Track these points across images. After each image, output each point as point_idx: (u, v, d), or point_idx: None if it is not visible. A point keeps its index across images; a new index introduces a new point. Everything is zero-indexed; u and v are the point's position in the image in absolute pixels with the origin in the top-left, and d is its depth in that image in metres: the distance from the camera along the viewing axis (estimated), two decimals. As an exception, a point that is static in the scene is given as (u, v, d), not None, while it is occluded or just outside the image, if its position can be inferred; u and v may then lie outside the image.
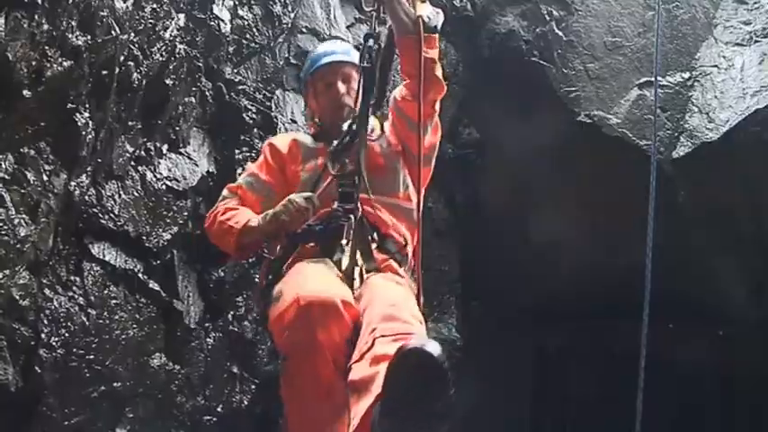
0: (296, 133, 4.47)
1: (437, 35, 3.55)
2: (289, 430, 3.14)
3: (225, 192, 3.94)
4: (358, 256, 3.36)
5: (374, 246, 3.48)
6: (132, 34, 4.26)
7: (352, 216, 3.45)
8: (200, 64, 5.10)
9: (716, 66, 6.31)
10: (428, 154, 3.71)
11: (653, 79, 6.02)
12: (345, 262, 3.32)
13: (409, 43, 3.46)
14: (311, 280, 3.13)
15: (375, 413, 2.62)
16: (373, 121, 3.89)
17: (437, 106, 3.71)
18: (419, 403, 2.51)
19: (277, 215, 3.53)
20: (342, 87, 3.85)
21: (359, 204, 3.50)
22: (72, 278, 4.19)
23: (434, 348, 2.51)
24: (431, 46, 3.50)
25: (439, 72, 3.60)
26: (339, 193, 3.56)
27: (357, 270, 3.30)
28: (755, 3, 6.49)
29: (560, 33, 6.38)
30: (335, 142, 3.72)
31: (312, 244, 3.51)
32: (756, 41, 6.25)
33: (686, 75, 6.35)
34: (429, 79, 3.49)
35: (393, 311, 3.00)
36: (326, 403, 2.95)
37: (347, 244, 3.38)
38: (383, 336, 2.84)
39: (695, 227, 6.07)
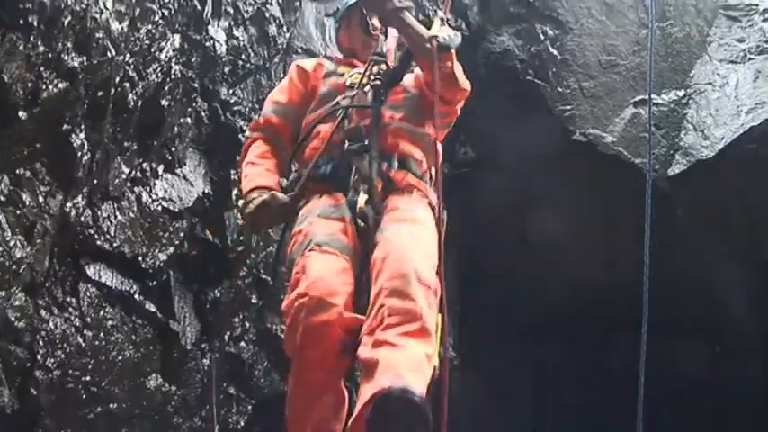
0: (322, 58, 4.49)
1: (452, 50, 3.55)
2: (288, 426, 3.14)
3: (248, 132, 3.93)
4: (376, 186, 3.35)
5: (393, 171, 3.44)
6: (128, 55, 4.27)
7: (365, 153, 3.43)
8: (196, 85, 5.10)
9: (710, 83, 6.34)
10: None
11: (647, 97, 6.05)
12: (361, 201, 3.31)
13: (425, 61, 3.51)
14: (312, 274, 3.10)
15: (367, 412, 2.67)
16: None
17: (459, 108, 3.78)
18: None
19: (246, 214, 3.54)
20: (376, 22, 3.89)
21: (370, 136, 3.48)
22: (68, 299, 4.18)
23: (413, 390, 2.62)
24: (447, 60, 3.53)
25: (460, 77, 3.63)
26: (346, 132, 3.53)
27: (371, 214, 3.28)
28: (749, 20, 6.53)
29: (555, 52, 6.40)
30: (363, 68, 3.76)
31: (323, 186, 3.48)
32: (750, 59, 6.28)
33: (681, 92, 6.38)
34: (450, 89, 3.56)
35: (401, 285, 2.98)
36: (320, 403, 2.99)
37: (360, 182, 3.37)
38: (389, 326, 2.86)
39: (692, 243, 6.06)
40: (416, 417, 2.60)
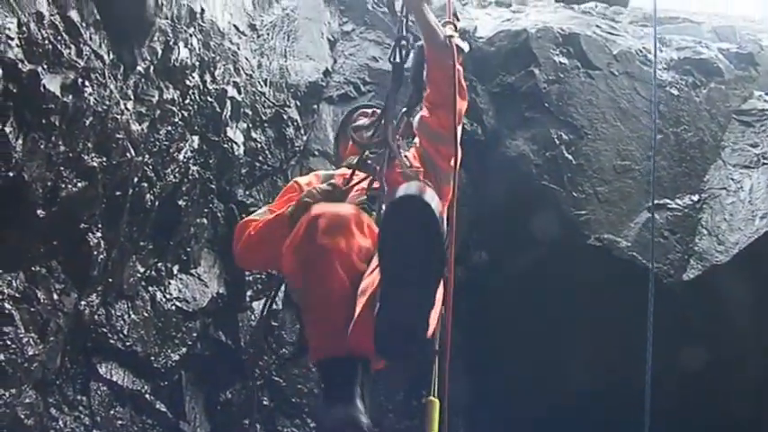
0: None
1: (463, 53, 3.72)
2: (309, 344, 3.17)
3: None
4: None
5: None
6: (147, 156, 4.33)
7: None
8: (213, 185, 5.16)
9: (725, 188, 6.34)
10: (451, 171, 3.68)
11: (662, 202, 6.06)
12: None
13: (437, 56, 3.64)
14: (326, 204, 3.21)
15: (376, 297, 2.72)
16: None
17: (461, 115, 3.85)
18: (415, 250, 2.61)
19: (300, 201, 3.54)
20: (366, 121, 4.07)
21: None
22: (78, 398, 4.17)
23: (418, 191, 2.63)
24: (458, 61, 3.64)
25: (464, 83, 3.76)
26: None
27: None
28: (762, 125, 6.57)
29: (570, 157, 6.43)
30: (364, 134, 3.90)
31: None
32: (764, 163, 6.30)
33: (695, 197, 6.38)
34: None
35: None
36: (340, 312, 2.93)
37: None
38: None
39: (706, 349, 5.97)
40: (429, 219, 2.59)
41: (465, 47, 3.80)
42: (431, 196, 2.64)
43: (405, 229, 2.63)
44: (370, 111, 4.21)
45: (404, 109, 3.87)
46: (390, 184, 3.55)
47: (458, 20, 3.85)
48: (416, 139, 4.00)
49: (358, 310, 2.81)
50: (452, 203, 3.38)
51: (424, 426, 2.91)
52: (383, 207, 3.44)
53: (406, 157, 3.90)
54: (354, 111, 4.41)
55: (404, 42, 3.84)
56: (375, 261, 2.95)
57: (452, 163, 3.62)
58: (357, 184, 3.66)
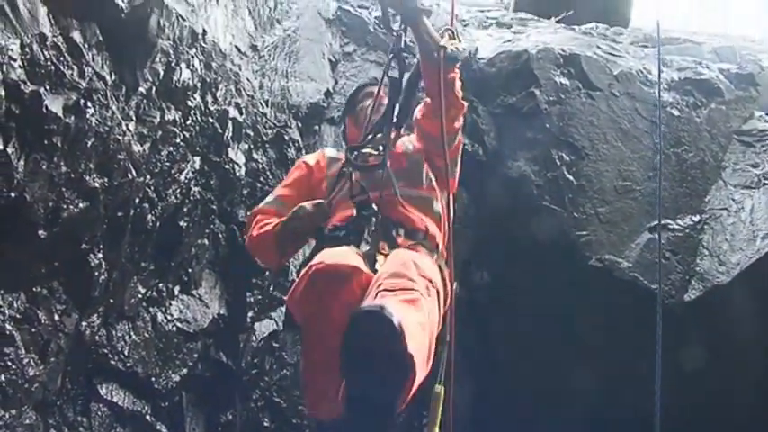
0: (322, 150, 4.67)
1: (458, 63, 3.84)
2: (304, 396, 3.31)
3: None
4: (382, 244, 3.46)
5: (400, 239, 3.57)
6: (148, 177, 4.34)
7: (373, 218, 3.58)
8: (215, 206, 5.16)
9: (725, 208, 6.34)
10: (453, 157, 3.85)
11: (664, 222, 6.06)
12: (367, 249, 3.43)
13: (431, 66, 3.70)
14: (326, 254, 3.23)
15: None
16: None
17: (459, 123, 3.96)
18: (376, 362, 2.65)
19: (286, 224, 3.74)
20: (368, 104, 4.14)
21: (379, 206, 3.63)
22: (79, 418, 4.15)
23: (381, 307, 2.66)
24: (451, 71, 3.77)
25: (459, 92, 3.85)
26: (356, 204, 3.70)
27: (380, 257, 3.38)
28: (763, 146, 6.58)
29: (571, 178, 6.43)
30: (361, 138, 3.97)
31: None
32: (765, 183, 6.30)
33: (696, 218, 6.38)
34: (448, 98, 3.70)
35: (401, 269, 3.11)
36: (334, 379, 2.94)
37: (370, 238, 3.51)
38: (386, 289, 2.93)
39: (709, 368, 5.95)
40: (390, 335, 2.61)
41: (460, 55, 3.88)
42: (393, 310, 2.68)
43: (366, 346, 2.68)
44: (375, 90, 4.22)
45: (394, 120, 3.93)
46: (393, 167, 3.75)
47: (453, 35, 3.85)
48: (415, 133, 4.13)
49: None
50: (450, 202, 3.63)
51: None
52: (376, 217, 3.58)
53: (409, 142, 4.10)
54: (361, 89, 4.48)
55: (401, 56, 3.94)
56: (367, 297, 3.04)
57: (447, 161, 3.68)
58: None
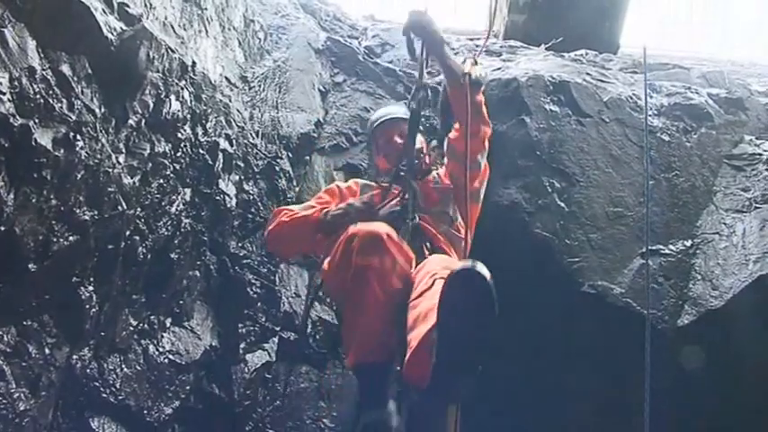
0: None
1: (482, 86, 4.18)
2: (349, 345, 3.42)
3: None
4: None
5: (426, 253, 3.87)
6: (139, 209, 4.33)
7: (409, 222, 3.92)
8: (206, 238, 5.16)
9: (717, 233, 6.33)
10: (478, 188, 4.37)
11: (655, 248, 6.05)
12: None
13: (457, 92, 4.05)
14: (361, 224, 3.49)
15: (433, 336, 2.92)
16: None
17: (486, 144, 4.39)
18: (470, 317, 2.84)
19: (335, 214, 4.08)
20: (398, 140, 4.44)
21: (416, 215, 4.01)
22: (70, 454, 4.12)
23: (480, 267, 2.87)
24: (477, 95, 4.11)
25: (485, 114, 4.27)
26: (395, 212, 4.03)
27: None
28: (753, 169, 6.59)
29: (562, 204, 6.43)
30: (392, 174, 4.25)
31: None
32: (756, 207, 6.30)
33: (688, 242, 6.37)
34: (476, 119, 4.08)
35: (451, 263, 3.37)
36: (376, 324, 3.30)
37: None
38: (442, 277, 3.05)
39: (706, 394, 5.93)
40: (482, 289, 2.86)
41: (484, 80, 4.17)
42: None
43: (464, 300, 2.85)
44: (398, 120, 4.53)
45: (434, 141, 4.51)
46: (424, 201, 4.13)
47: (475, 62, 4.15)
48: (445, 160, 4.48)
49: (414, 343, 3.04)
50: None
51: None
52: (415, 217, 3.96)
53: (437, 174, 4.45)
54: (380, 125, 4.67)
55: (423, 91, 4.17)
56: (419, 285, 3.29)
57: (476, 184, 4.23)
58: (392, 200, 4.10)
